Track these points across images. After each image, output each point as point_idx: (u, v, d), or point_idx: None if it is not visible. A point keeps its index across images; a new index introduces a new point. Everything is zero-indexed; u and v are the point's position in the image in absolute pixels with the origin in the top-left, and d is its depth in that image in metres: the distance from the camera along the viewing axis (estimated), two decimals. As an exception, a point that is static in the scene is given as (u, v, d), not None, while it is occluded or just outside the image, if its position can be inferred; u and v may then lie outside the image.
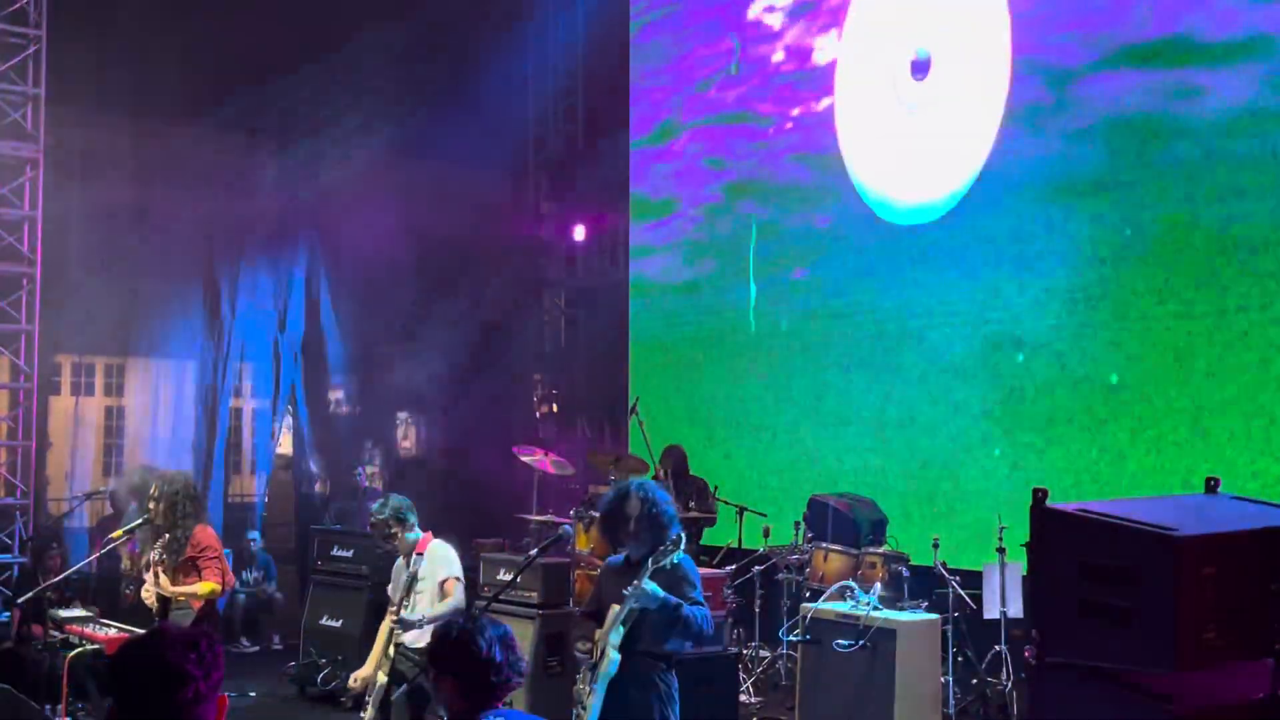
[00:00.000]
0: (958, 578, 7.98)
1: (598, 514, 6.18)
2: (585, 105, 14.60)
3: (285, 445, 13.41)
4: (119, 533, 6.87)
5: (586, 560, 8.54)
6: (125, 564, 9.23)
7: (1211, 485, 3.33)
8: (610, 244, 14.21)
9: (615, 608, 5.00)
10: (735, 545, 9.46)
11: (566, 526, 6.62)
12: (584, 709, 4.97)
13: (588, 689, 5.00)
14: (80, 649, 6.58)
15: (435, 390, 13.98)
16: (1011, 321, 9.28)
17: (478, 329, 14.08)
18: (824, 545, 8.23)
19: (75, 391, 12.71)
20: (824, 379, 10.82)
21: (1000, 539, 7.80)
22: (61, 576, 7.76)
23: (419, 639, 6.22)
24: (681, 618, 4.90)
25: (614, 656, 4.92)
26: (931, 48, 9.98)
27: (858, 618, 6.96)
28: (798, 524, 8.88)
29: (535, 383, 15.06)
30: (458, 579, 6.46)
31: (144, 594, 6.64)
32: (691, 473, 9.86)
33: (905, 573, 7.77)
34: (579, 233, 14.58)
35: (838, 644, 7.00)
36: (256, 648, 10.82)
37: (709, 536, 9.79)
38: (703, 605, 5.02)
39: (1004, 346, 9.32)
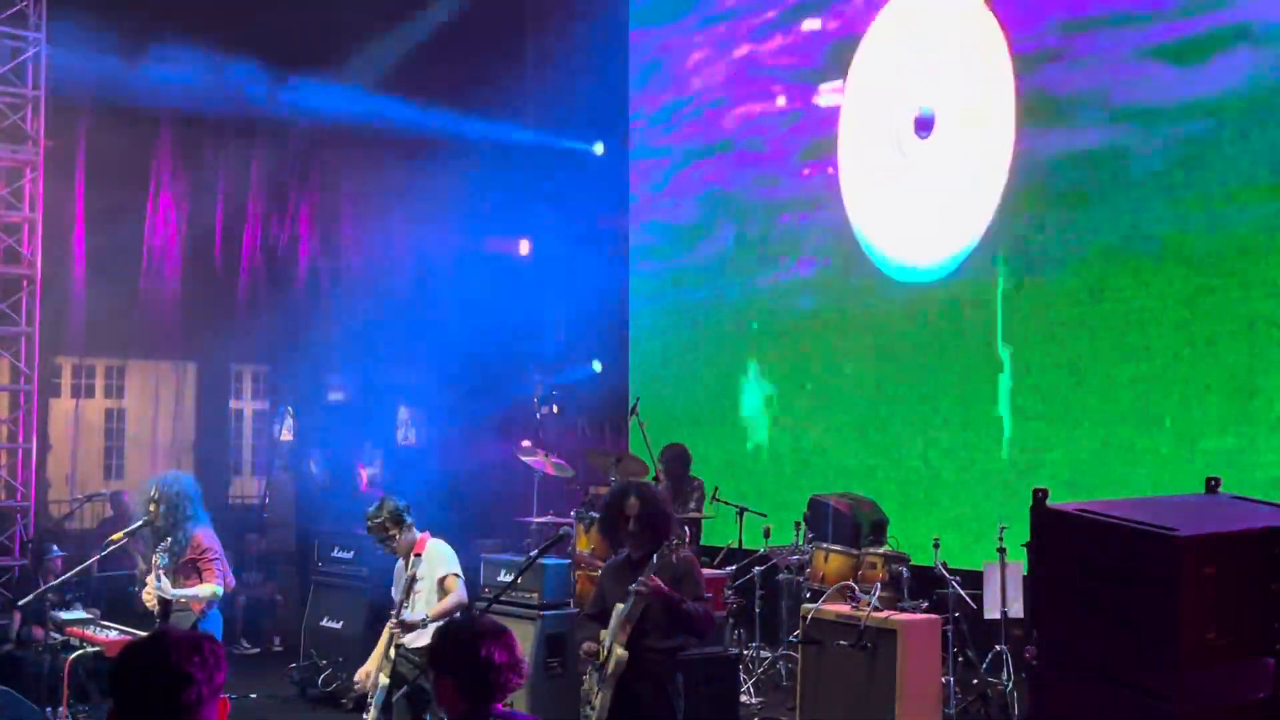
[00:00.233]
0: (958, 578, 7.98)
1: (597, 515, 6.20)
2: (585, 105, 14.56)
3: (285, 447, 13.41)
4: (119, 535, 6.86)
5: (587, 561, 8.54)
6: (141, 567, 9.23)
7: (1211, 485, 3.33)
8: (610, 245, 14.19)
9: (620, 607, 5.04)
10: (736, 545, 9.46)
11: (567, 527, 6.63)
12: (593, 708, 5.01)
13: (596, 688, 5.04)
14: (81, 651, 6.58)
15: (435, 391, 13.99)
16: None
17: (478, 330, 14.08)
18: (824, 545, 8.22)
19: (75, 394, 12.71)
20: (824, 379, 10.82)
21: (1001, 539, 7.80)
22: (62, 579, 7.74)
23: (418, 639, 6.22)
24: (684, 612, 4.95)
25: (621, 654, 4.96)
26: (935, 105, 9.97)
27: (858, 618, 6.97)
28: (798, 524, 8.87)
29: (535, 384, 15.04)
30: (457, 575, 6.46)
31: (144, 596, 6.63)
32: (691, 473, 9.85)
33: (906, 573, 7.76)
34: (578, 234, 14.54)
35: (838, 644, 7.00)
36: (257, 649, 10.81)
37: (709, 537, 9.78)
38: (705, 603, 5.08)
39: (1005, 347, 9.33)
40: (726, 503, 9.63)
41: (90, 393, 12.95)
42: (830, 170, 10.87)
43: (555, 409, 13.69)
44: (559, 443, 11.86)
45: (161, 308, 12.33)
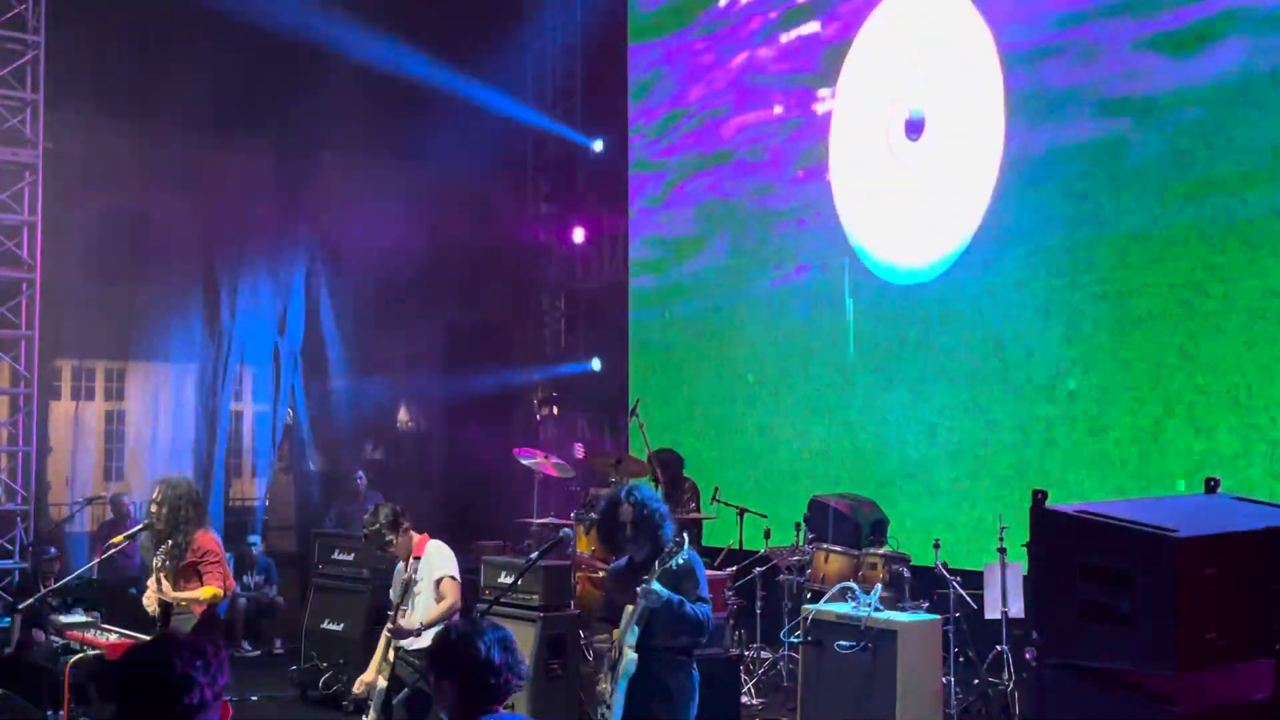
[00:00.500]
0: (959, 578, 7.98)
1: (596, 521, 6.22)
2: (585, 106, 14.59)
3: (285, 448, 13.40)
4: (120, 538, 6.86)
5: (587, 563, 8.54)
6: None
7: (1211, 485, 3.34)
8: (610, 245, 14.21)
9: (629, 608, 5.11)
10: (736, 546, 9.46)
11: (567, 529, 6.63)
12: (608, 708, 5.08)
13: (610, 688, 5.11)
14: (81, 654, 6.57)
15: (435, 392, 13.99)
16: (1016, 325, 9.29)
17: (478, 331, 14.09)
18: (825, 546, 8.23)
19: (75, 396, 12.70)
20: (824, 379, 10.82)
21: (1001, 539, 7.80)
22: (62, 582, 7.76)
23: (416, 642, 6.23)
24: (685, 615, 5.02)
25: (631, 656, 5.04)
26: (925, 107, 9.98)
27: (859, 619, 6.97)
28: (798, 525, 8.87)
29: (535, 385, 15.06)
30: (453, 578, 6.47)
31: (145, 600, 6.64)
32: (685, 474, 9.85)
33: (906, 573, 7.76)
34: (578, 235, 14.57)
35: (839, 645, 7.00)
36: (258, 652, 10.83)
37: (710, 537, 9.78)
38: (705, 602, 5.14)
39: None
40: (727, 504, 9.63)
41: (90, 395, 12.95)
42: (826, 177, 10.88)
43: (554, 410, 13.71)
44: (559, 444, 11.87)
45: (161, 310, 12.34)
